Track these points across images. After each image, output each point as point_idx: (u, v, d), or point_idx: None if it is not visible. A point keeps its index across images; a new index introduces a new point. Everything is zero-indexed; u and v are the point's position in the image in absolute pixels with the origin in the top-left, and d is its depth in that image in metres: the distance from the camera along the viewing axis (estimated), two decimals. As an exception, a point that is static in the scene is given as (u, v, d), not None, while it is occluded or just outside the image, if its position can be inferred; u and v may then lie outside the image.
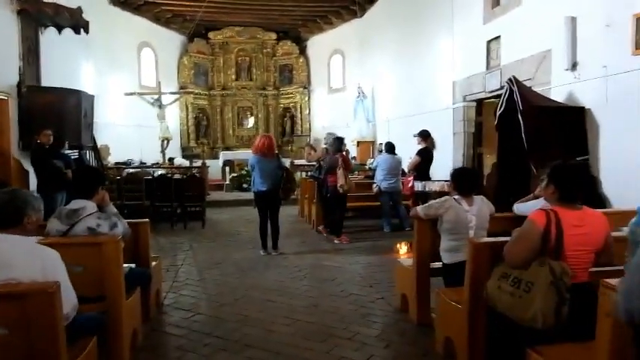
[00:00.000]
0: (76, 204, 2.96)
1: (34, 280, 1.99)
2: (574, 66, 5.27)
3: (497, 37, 6.83)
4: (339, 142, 7.02)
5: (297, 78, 16.12)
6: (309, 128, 16.03)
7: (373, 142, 12.94)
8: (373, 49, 12.68)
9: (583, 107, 5.14)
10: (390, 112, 11.62)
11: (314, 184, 7.66)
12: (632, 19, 4.49)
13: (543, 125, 5.09)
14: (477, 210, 3.21)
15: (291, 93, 16.30)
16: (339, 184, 6.56)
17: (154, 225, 7.63)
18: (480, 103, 7.80)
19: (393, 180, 7.45)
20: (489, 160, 7.97)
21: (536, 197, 3.56)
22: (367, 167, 10.88)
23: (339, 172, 6.56)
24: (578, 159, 5.13)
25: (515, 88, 5.23)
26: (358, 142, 12.98)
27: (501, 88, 6.75)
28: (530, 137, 5.06)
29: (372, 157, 11.75)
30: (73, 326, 2.12)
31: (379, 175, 7.51)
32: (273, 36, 16.02)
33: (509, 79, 5.34)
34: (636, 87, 4.49)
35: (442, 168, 8.31)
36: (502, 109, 5.49)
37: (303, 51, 16.18)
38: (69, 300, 2.10)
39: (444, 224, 3.23)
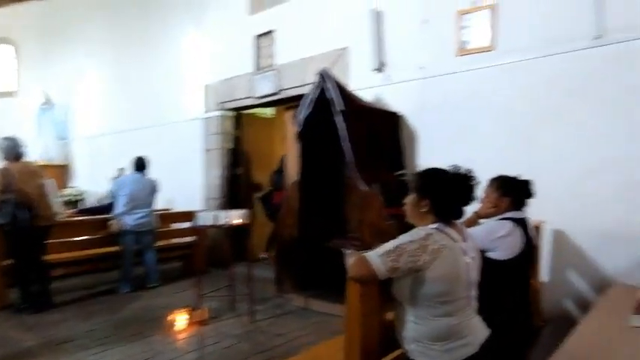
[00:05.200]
0: None
1: None
2: (382, 66, 4.54)
3: (270, 32, 5.59)
4: None
5: None
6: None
7: (66, 166, 9.65)
8: (68, 42, 9.45)
9: (395, 113, 4.43)
10: (97, 127, 8.73)
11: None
12: (455, 15, 4.03)
13: (365, 131, 4.09)
14: (473, 248, 1.67)
15: None
16: None
17: None
18: (239, 112, 6.35)
19: (142, 213, 5.01)
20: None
21: (480, 217, 2.35)
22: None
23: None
24: (396, 174, 4.39)
25: (330, 85, 4.05)
26: (45, 167, 9.32)
27: (277, 93, 5.57)
28: (355, 146, 3.95)
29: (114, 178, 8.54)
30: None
31: (121, 206, 4.94)
32: None
33: (321, 73, 4.13)
34: (460, 91, 4.02)
35: (191, 194, 6.43)
36: (310, 110, 4.23)
37: (-60, 33, 10.90)
38: None
39: (427, 285, 1.52)
